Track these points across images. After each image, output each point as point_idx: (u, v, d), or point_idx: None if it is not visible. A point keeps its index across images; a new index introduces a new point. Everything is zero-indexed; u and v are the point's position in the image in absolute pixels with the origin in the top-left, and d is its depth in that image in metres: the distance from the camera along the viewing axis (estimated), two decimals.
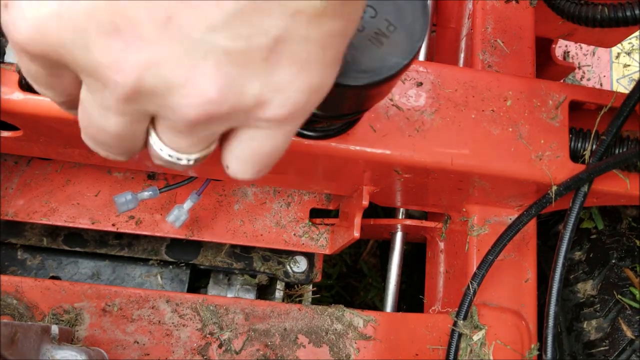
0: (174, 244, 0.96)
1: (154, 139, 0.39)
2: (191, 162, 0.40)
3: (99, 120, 0.38)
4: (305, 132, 0.67)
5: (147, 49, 0.33)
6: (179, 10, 0.32)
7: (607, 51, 1.22)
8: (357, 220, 0.80)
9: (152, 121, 0.38)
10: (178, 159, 0.40)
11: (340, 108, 0.54)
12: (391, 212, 1.02)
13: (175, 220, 0.83)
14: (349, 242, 0.85)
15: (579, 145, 0.78)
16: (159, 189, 0.83)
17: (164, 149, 0.39)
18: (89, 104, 0.38)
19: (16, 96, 0.64)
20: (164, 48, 0.33)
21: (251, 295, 0.97)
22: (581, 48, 1.25)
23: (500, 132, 0.74)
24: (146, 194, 0.81)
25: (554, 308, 0.74)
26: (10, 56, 0.65)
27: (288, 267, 0.97)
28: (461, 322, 0.78)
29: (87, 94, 0.37)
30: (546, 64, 1.06)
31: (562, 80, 1.11)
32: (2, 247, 0.93)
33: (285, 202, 0.95)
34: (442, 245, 0.93)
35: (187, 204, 0.84)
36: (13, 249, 0.93)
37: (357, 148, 0.70)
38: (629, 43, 1.34)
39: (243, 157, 0.40)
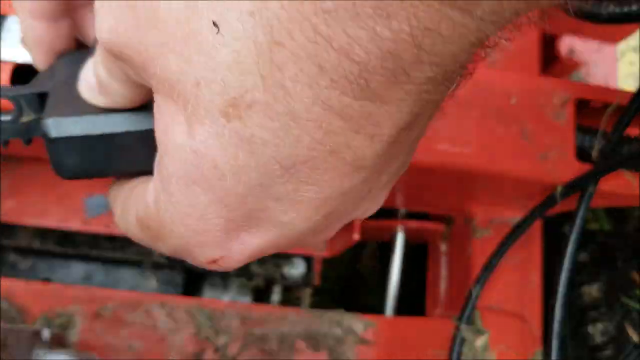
0: None
1: None
2: None
3: None
4: None
5: (337, 225, 0.33)
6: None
7: (613, 48, 1.21)
8: (357, 222, 0.80)
9: None
10: None
11: None
12: (392, 214, 1.01)
13: None
14: (349, 244, 0.85)
15: (586, 144, 0.77)
16: None
17: None
18: None
19: None
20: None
21: (247, 299, 0.96)
22: (587, 45, 1.24)
23: (504, 131, 0.74)
24: None
25: (561, 312, 0.73)
26: (2, 53, 0.64)
27: (285, 270, 0.96)
28: (464, 326, 0.78)
29: None
30: (551, 61, 1.06)
31: (567, 78, 1.11)
32: None
33: None
34: (444, 247, 0.92)
35: None
36: (3, 251, 0.92)
37: None
38: (635, 40, 1.33)
39: None
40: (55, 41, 0.43)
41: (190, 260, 0.32)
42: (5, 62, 0.64)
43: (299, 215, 0.28)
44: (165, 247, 0.33)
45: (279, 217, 0.28)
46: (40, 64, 0.44)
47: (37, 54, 0.43)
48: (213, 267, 0.32)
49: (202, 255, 0.31)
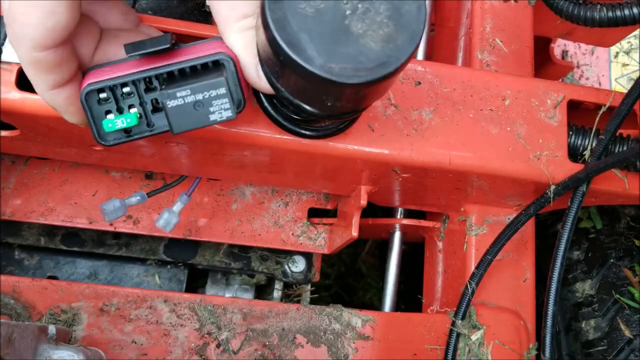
0: (172, 243, 0.96)
1: None
2: None
3: None
4: (303, 132, 0.67)
5: None
6: None
7: (605, 50, 1.22)
8: (356, 220, 0.80)
9: None
10: None
11: (337, 107, 0.54)
12: (390, 212, 1.02)
13: (165, 225, 0.82)
14: (348, 242, 0.85)
15: (578, 143, 0.78)
16: (147, 194, 0.82)
17: None
18: None
19: (13, 95, 0.63)
20: None
21: (249, 295, 0.96)
22: (580, 47, 1.25)
23: (498, 132, 0.74)
24: (134, 199, 0.80)
25: (553, 308, 0.74)
26: (8, 55, 0.65)
27: (286, 267, 0.97)
28: (459, 322, 0.78)
29: None
30: (545, 64, 1.06)
31: (560, 80, 1.11)
32: (0, 247, 0.92)
33: (283, 201, 0.95)
34: (440, 245, 0.93)
35: (177, 207, 0.83)
36: (10, 249, 0.93)
37: (355, 147, 0.70)
38: (628, 42, 1.34)
39: None
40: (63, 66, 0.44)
41: None
42: (12, 64, 0.65)
43: None
44: None
45: None
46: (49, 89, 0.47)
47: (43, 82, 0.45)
48: None
49: None
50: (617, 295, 0.89)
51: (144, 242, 0.95)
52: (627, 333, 0.87)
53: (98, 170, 0.91)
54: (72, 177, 0.90)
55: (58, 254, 0.94)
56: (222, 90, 0.54)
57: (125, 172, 0.92)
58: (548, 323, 0.74)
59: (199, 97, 0.54)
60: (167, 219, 0.82)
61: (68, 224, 0.89)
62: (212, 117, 0.55)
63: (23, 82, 0.64)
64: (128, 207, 0.80)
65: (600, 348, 0.89)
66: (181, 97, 0.54)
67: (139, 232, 0.90)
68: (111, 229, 0.90)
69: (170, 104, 0.54)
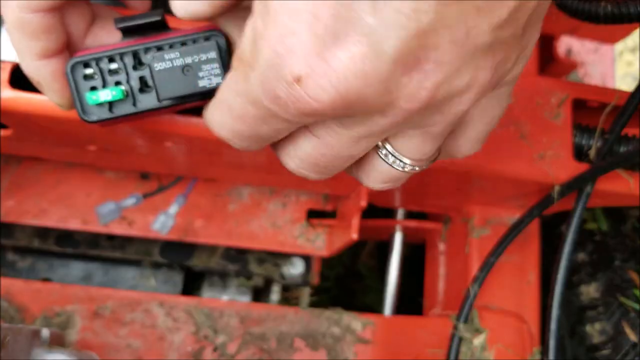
0: (168, 245, 0.95)
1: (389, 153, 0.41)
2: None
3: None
4: None
5: (442, 69, 0.32)
6: (474, 21, 0.31)
7: (610, 48, 1.21)
8: (355, 221, 0.80)
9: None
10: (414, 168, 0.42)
11: None
12: (390, 213, 1.01)
13: (161, 228, 0.82)
14: (347, 244, 0.85)
15: (583, 143, 0.77)
16: (143, 195, 0.81)
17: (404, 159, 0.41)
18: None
19: (5, 94, 0.63)
20: (455, 63, 0.32)
21: (246, 298, 0.96)
22: (584, 45, 1.24)
23: (501, 131, 0.74)
24: (129, 202, 0.80)
25: (557, 311, 0.73)
26: (3, 54, 0.64)
27: (284, 269, 0.96)
28: (462, 325, 0.78)
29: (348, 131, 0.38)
30: (548, 61, 1.06)
31: (564, 78, 1.11)
32: None
33: (281, 202, 0.95)
34: (442, 246, 0.92)
35: (173, 209, 0.83)
36: (3, 251, 0.92)
37: None
38: (633, 41, 1.34)
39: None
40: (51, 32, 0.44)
41: (276, 83, 0.33)
42: (5, 62, 0.64)
43: (386, 17, 0.29)
44: (255, 72, 0.34)
45: (365, 17, 0.29)
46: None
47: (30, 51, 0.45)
48: (296, 93, 0.32)
49: (288, 69, 0.32)
50: (623, 299, 0.89)
51: (139, 244, 0.94)
52: (633, 337, 0.87)
53: (92, 170, 0.90)
54: (66, 178, 0.90)
55: (51, 255, 0.93)
56: (213, 55, 0.53)
57: (120, 172, 0.91)
58: (552, 327, 0.74)
59: (188, 60, 0.53)
60: (163, 222, 0.81)
61: (62, 226, 0.88)
62: (201, 83, 0.54)
63: (16, 81, 0.63)
64: (123, 209, 0.79)
65: (605, 352, 0.88)
66: (169, 59, 0.53)
67: (134, 234, 0.89)
68: (106, 230, 0.89)
69: (158, 66, 0.53)
